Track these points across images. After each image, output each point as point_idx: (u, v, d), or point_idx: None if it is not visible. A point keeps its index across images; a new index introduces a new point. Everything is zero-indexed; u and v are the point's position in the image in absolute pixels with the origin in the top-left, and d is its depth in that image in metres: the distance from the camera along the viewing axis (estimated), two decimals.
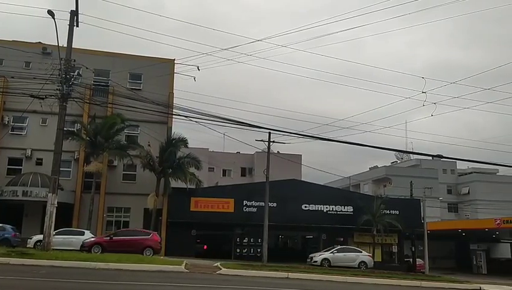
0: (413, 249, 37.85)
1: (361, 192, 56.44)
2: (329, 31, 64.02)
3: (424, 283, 20.10)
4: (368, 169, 67.28)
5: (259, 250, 31.82)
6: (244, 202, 33.52)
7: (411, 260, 37.60)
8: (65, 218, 28.49)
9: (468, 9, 31.74)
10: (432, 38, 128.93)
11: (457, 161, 58.49)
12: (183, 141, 31.69)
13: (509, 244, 49.57)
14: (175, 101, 30.38)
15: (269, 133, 28.58)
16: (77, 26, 19.57)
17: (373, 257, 33.09)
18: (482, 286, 20.84)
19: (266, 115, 55.24)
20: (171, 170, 31.27)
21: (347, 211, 35.29)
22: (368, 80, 47.01)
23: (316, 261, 29.17)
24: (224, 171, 53.73)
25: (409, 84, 30.02)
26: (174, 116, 25.48)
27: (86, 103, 26.44)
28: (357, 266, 29.14)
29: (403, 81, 68.91)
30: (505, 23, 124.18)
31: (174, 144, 31.27)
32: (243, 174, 53.50)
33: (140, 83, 33.31)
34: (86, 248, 22.35)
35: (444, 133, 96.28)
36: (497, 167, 46.59)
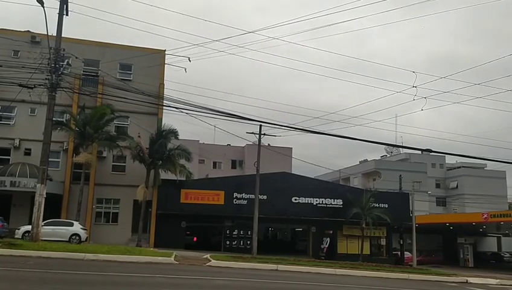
0: (401, 242, 38.22)
1: (350, 185, 56.77)
2: (329, 22, 63.99)
3: (412, 276, 20.37)
4: (358, 163, 67.70)
5: (248, 242, 31.89)
6: (235, 195, 33.47)
7: (399, 253, 37.99)
8: (54, 209, 28.37)
9: (472, 2, 31.73)
10: (435, 32, 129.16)
11: (446, 155, 59.17)
12: (174, 133, 31.51)
13: (495, 238, 50.30)
14: (165, 92, 30.30)
15: (260, 125, 28.54)
16: (67, 15, 19.36)
17: (361, 249, 33.40)
18: (468, 278, 21.17)
19: (257, 108, 55.19)
20: (161, 162, 31.12)
21: (336, 204, 35.44)
22: (363, 75, 47.11)
23: None
24: (214, 164, 53.75)
25: (405, 78, 30.04)
26: (164, 107, 25.30)
27: (75, 93, 26.19)
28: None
29: (401, 75, 69.38)
30: (508, 17, 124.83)
31: (164, 135, 31.09)
32: (234, 167, 53.54)
33: (131, 74, 33.01)
34: None
35: (436, 128, 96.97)
36: (485, 161, 47.05)
